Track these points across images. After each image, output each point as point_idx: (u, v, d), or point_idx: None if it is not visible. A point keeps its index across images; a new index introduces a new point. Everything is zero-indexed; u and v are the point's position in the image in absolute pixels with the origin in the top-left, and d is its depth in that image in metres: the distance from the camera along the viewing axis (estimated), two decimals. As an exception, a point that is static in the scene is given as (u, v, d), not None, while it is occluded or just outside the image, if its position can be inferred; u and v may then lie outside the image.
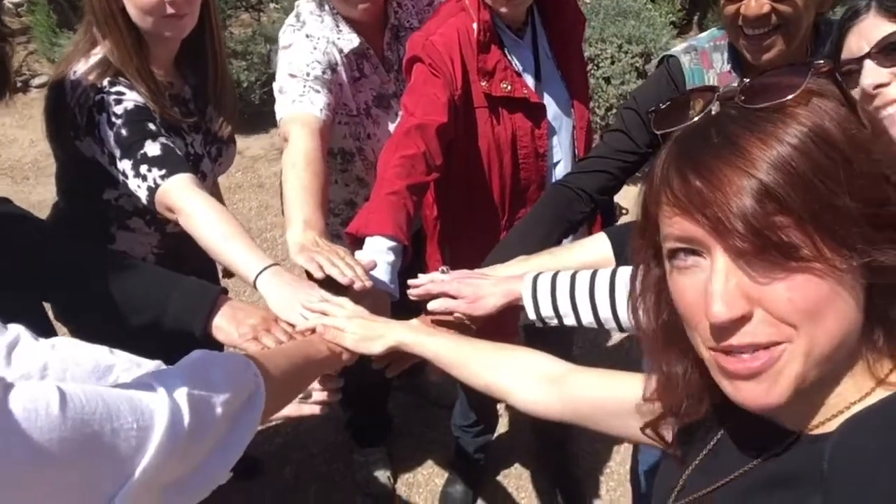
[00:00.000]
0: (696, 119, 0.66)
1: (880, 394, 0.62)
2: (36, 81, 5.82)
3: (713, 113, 0.65)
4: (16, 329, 0.97)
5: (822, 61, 0.65)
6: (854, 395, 0.63)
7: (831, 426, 0.63)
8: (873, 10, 1.04)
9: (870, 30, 1.03)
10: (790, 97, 0.61)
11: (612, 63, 4.46)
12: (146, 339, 1.18)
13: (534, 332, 1.54)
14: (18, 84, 5.81)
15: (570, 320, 1.24)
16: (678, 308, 0.67)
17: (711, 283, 0.60)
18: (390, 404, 2.69)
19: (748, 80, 0.65)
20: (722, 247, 0.60)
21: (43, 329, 1.11)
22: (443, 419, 2.66)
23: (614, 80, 4.38)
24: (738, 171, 0.58)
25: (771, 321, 0.59)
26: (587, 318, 1.23)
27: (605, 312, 1.21)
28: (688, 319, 0.65)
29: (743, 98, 0.64)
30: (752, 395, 0.62)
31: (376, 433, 2.62)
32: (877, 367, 0.62)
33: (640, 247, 0.72)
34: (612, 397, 0.96)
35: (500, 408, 2.56)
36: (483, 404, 2.33)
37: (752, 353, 0.61)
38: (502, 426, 2.71)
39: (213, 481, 0.84)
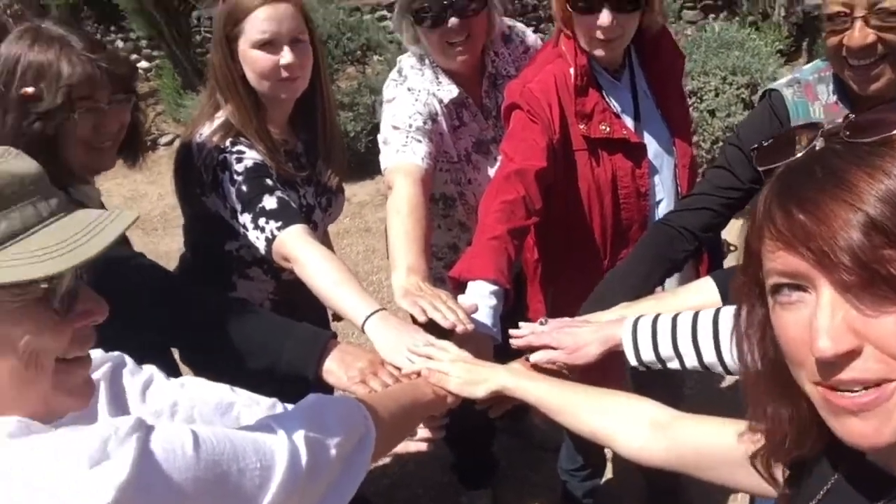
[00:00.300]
0: (799, 155, 0.65)
1: None
2: (163, 140, 6.32)
3: (817, 149, 0.64)
4: (149, 370, 1.06)
5: None
6: None
7: None
8: None
9: None
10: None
11: (717, 95, 4.36)
12: (262, 381, 1.25)
13: (641, 375, 1.51)
14: (147, 143, 6.31)
15: (673, 364, 1.22)
16: (782, 345, 0.65)
17: (817, 318, 0.58)
18: (495, 447, 2.67)
19: (853, 115, 0.64)
20: (828, 280, 0.58)
21: (170, 370, 1.21)
22: (547, 462, 2.62)
23: (719, 113, 4.29)
24: (843, 204, 0.57)
25: (880, 357, 0.57)
26: (691, 363, 1.20)
27: (709, 357, 1.18)
28: (792, 356, 0.64)
29: (848, 133, 0.62)
30: (860, 432, 0.60)
31: (482, 475, 2.61)
32: None
33: (743, 284, 0.71)
34: (718, 445, 0.93)
35: (608, 451, 2.49)
36: (590, 448, 2.28)
37: (862, 390, 0.59)
38: (611, 470, 2.63)
39: None
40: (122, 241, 1.68)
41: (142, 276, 1.46)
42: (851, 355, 0.58)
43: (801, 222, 0.59)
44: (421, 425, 1.32)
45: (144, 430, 0.69)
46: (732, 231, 1.89)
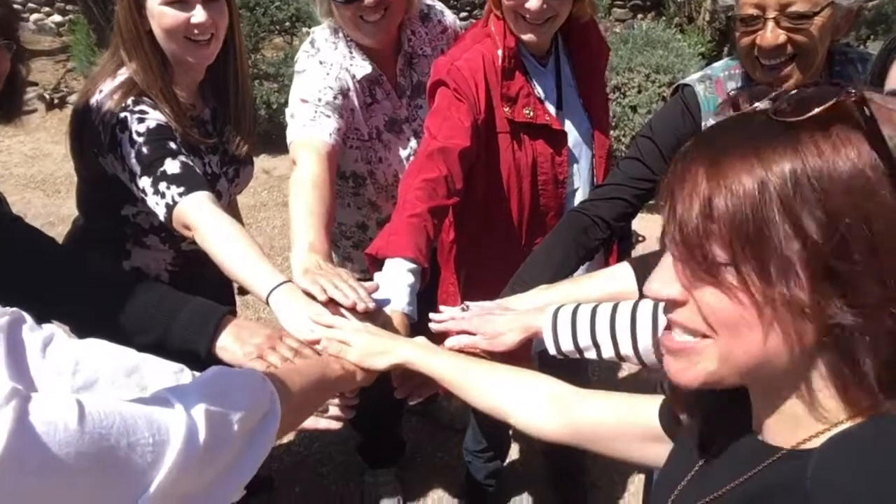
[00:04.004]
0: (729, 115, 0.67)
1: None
2: (72, 98, 5.98)
3: (750, 110, 0.65)
4: (50, 328, 0.99)
5: (854, 88, 0.60)
6: (841, 415, 0.62)
7: (817, 442, 0.62)
8: None
9: None
10: (803, 117, 0.59)
11: (640, 92, 4.46)
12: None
13: (548, 360, 1.52)
14: (55, 101, 5.98)
15: (591, 354, 1.24)
16: None
17: (660, 265, 0.67)
18: (403, 427, 2.68)
19: (794, 90, 0.62)
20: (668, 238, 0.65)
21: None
22: (456, 444, 2.63)
23: (641, 109, 4.38)
24: (696, 180, 0.61)
25: (700, 314, 0.64)
26: (608, 353, 1.22)
27: (626, 349, 1.20)
28: None
29: (784, 107, 0.61)
30: (672, 369, 0.68)
31: (388, 455, 2.60)
32: (858, 400, 0.61)
33: None
34: (612, 419, 0.97)
35: (513, 434, 2.53)
36: (495, 430, 2.31)
37: (682, 335, 0.66)
38: (514, 453, 2.68)
39: (227, 498, 0.85)
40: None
41: (25, 243, 1.36)
42: (676, 303, 0.65)
43: (668, 181, 0.65)
44: (335, 402, 1.29)
45: (21, 399, 0.63)
46: (642, 222, 1.92)
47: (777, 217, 0.58)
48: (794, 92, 0.61)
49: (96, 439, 0.67)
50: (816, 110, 0.58)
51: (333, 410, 1.29)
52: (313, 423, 1.28)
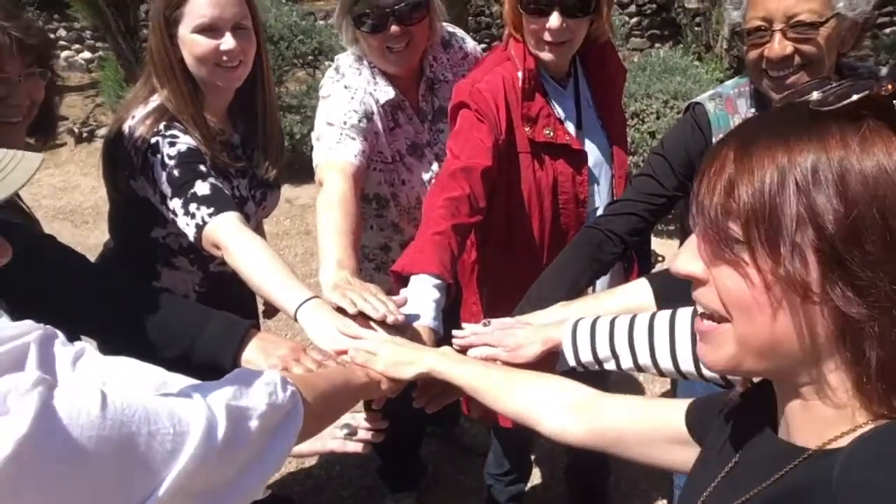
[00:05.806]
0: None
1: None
2: (101, 132, 6.14)
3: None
4: (81, 344, 1.02)
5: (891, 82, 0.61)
6: (864, 415, 0.62)
7: (843, 442, 0.62)
8: None
9: None
10: (835, 106, 0.60)
11: (658, 118, 4.48)
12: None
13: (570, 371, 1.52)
14: (84, 134, 6.14)
15: (610, 365, 1.24)
16: None
17: (686, 242, 0.68)
18: (425, 451, 2.66)
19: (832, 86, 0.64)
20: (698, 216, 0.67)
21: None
22: (477, 467, 2.61)
23: (659, 135, 4.40)
24: (726, 161, 0.63)
25: (717, 295, 0.65)
26: (627, 364, 1.22)
27: (644, 359, 1.20)
28: None
29: (814, 100, 0.63)
30: (701, 352, 0.70)
31: (409, 478, 2.59)
32: (871, 398, 0.61)
33: None
34: (638, 424, 0.96)
35: (535, 458, 2.52)
36: (517, 453, 2.29)
37: (708, 317, 0.68)
38: (536, 477, 2.65)
39: (248, 495, 0.85)
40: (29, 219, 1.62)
41: (55, 259, 1.40)
42: (699, 281, 0.67)
43: (703, 162, 0.67)
44: (364, 425, 1.30)
45: (47, 385, 0.66)
46: (665, 245, 1.93)
47: (793, 204, 0.59)
48: (837, 84, 0.62)
49: (118, 426, 0.68)
50: (846, 101, 0.60)
51: (362, 434, 1.30)
52: (341, 445, 1.29)
